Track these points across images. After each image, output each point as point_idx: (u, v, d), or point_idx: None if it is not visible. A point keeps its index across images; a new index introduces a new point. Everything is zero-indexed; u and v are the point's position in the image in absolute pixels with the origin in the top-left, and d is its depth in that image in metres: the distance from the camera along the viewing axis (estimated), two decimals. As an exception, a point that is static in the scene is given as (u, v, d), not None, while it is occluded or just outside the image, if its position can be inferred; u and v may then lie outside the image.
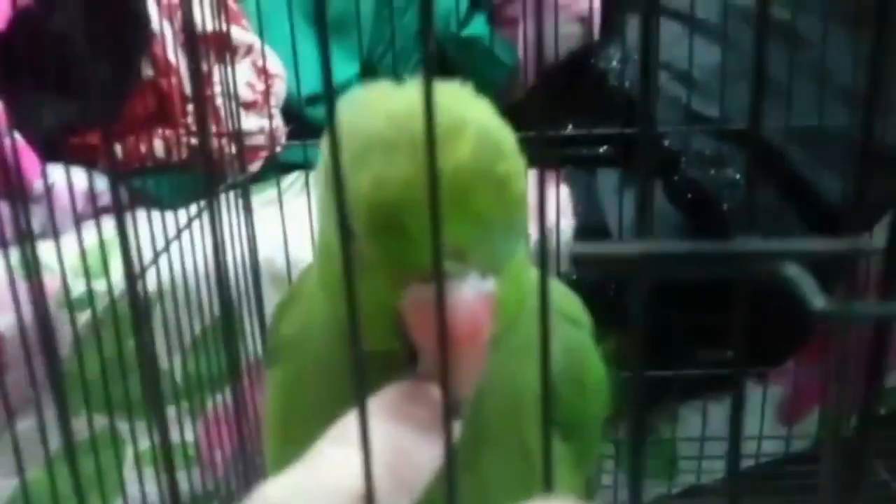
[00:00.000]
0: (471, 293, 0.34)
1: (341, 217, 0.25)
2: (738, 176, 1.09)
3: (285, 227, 1.00)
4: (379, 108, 0.36)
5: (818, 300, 0.21)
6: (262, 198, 1.10)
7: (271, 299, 1.05)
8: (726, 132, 1.11)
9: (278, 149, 1.13)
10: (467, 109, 0.36)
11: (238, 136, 0.91)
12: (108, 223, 0.80)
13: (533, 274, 0.40)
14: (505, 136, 0.36)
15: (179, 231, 0.85)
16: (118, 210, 0.26)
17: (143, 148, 1.04)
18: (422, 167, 0.33)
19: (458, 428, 0.33)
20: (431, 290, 0.33)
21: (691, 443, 1.23)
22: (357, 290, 0.38)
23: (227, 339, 0.68)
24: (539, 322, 0.23)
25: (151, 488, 0.87)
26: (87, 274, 0.81)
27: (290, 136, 1.14)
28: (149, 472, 0.88)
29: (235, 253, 0.97)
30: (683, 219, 1.07)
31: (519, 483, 0.41)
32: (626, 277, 0.23)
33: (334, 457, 0.31)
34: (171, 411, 0.97)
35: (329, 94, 0.24)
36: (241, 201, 0.93)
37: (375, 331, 0.35)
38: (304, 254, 1.03)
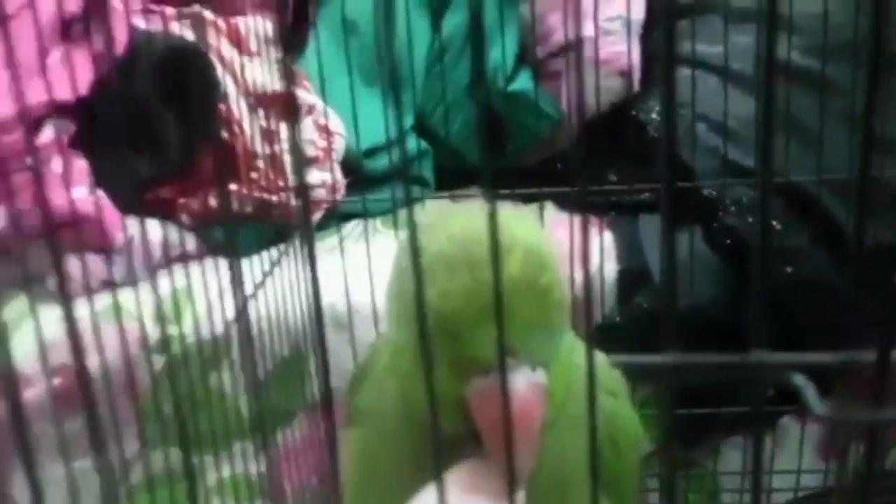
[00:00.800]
0: (523, 384, 0.41)
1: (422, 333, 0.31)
2: (774, 223, 1.13)
3: (346, 273, 1.07)
4: (441, 229, 0.43)
5: (819, 407, 0.27)
6: (323, 246, 1.17)
7: (333, 343, 1.12)
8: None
9: (338, 198, 1.20)
10: (516, 229, 0.43)
11: (304, 189, 0.97)
12: (181, 273, 0.87)
13: (578, 356, 0.46)
14: (547, 251, 0.43)
15: (265, 275, 0.91)
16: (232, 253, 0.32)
17: (212, 201, 1.11)
18: (479, 281, 0.40)
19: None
20: (489, 382, 0.40)
21: (733, 476, 1.27)
22: (431, 384, 0.45)
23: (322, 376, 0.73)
24: (586, 386, 0.30)
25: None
26: (163, 320, 0.88)
27: (349, 188, 1.21)
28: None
29: (300, 299, 1.04)
30: (721, 264, 1.12)
31: None
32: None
33: None
34: (239, 446, 1.03)
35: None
36: (305, 250, 1.00)
37: (444, 415, 0.41)
38: (363, 297, 1.10)
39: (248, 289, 0.93)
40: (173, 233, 1.09)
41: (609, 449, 0.53)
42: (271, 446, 1.01)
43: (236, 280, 0.69)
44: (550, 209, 1.32)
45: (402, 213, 1.21)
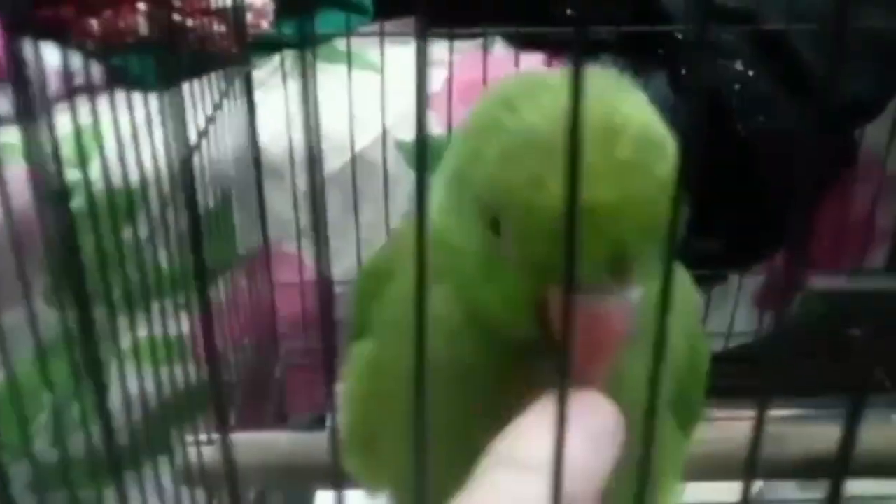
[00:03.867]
0: (620, 307, 0.31)
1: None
2: (742, 68, 1.04)
3: (289, 111, 0.93)
4: (531, 103, 0.32)
5: None
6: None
7: (265, 191, 0.99)
8: (728, 22, 1.05)
9: (265, 25, 1.04)
10: (625, 104, 0.32)
11: (239, 9, 0.82)
12: (84, 106, 0.72)
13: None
14: (664, 133, 0.32)
15: (209, 119, 0.77)
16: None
17: (122, 23, 0.94)
18: (586, 171, 0.29)
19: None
20: (581, 299, 0.29)
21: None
22: (497, 281, 0.33)
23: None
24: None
25: (133, 385, 0.83)
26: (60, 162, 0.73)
27: (279, 14, 1.05)
28: (131, 368, 0.83)
29: (228, 141, 0.90)
30: (686, 112, 1.03)
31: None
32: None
33: (506, 483, 0.27)
34: (159, 305, 0.91)
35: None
36: (240, 87, 0.85)
37: (513, 317, 0.33)
38: (300, 142, 0.96)
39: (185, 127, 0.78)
40: (75, 60, 0.91)
41: (689, 376, 0.44)
42: (205, 303, 0.89)
43: (178, 120, 0.55)
44: (500, 46, 1.20)
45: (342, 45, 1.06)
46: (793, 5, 1.04)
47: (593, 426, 0.29)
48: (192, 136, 0.75)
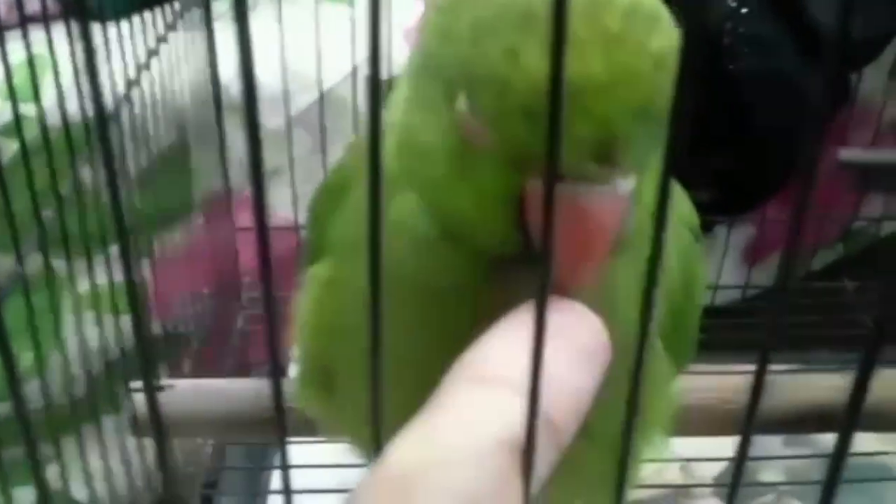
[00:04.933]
0: (609, 200, 0.28)
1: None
2: (735, 4, 1.00)
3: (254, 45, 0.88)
4: None
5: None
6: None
7: (227, 131, 0.94)
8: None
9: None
10: None
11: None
12: (38, 36, 0.67)
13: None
14: (658, 6, 0.29)
15: (150, 54, 0.72)
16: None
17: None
18: (570, 41, 0.25)
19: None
20: (564, 188, 0.26)
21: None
22: (470, 178, 0.30)
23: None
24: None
25: (91, 333, 0.79)
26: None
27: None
28: (89, 316, 0.79)
29: (188, 78, 0.85)
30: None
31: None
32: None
33: (474, 400, 0.24)
34: (115, 250, 0.87)
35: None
36: (199, 15, 0.81)
37: (488, 220, 0.30)
38: (268, 81, 0.92)
39: (123, 64, 0.74)
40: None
41: (682, 296, 0.41)
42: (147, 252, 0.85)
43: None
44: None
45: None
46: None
47: (575, 339, 0.26)
48: (131, 71, 0.70)
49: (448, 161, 0.31)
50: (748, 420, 0.21)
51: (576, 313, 0.27)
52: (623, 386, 0.22)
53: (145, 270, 0.90)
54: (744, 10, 0.99)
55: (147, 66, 0.72)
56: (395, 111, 0.34)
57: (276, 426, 0.22)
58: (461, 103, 0.30)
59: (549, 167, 0.19)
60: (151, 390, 0.24)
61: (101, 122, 0.19)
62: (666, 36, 0.27)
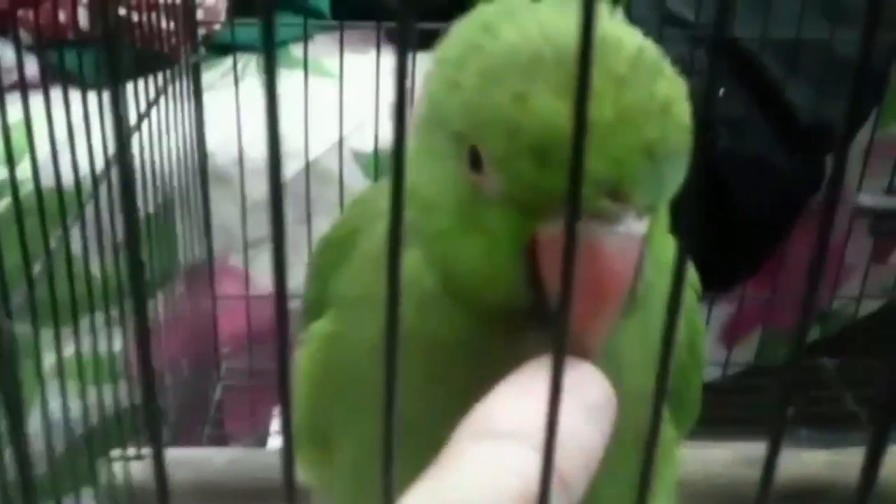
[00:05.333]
0: (625, 238, 0.28)
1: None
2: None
3: (240, 116, 0.89)
4: (510, 24, 0.30)
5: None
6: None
7: (213, 199, 0.95)
8: (700, 37, 1.05)
9: (217, 27, 1.01)
10: (616, 26, 0.30)
11: (189, 7, 0.79)
12: (16, 104, 0.68)
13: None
14: (661, 58, 0.30)
15: (140, 117, 0.73)
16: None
17: (62, 16, 0.90)
18: (573, 81, 0.26)
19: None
20: (580, 229, 0.27)
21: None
22: (478, 228, 0.30)
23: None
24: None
25: (73, 402, 0.78)
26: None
27: (234, 12, 1.02)
28: (71, 384, 0.78)
29: (173, 147, 0.86)
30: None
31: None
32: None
33: (484, 455, 0.23)
34: (97, 320, 0.86)
35: None
36: (188, 86, 0.82)
37: (496, 274, 0.30)
38: (253, 150, 0.93)
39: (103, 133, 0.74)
40: (9, 53, 0.87)
41: (687, 355, 0.41)
42: (142, 317, 0.84)
43: (118, 116, 0.51)
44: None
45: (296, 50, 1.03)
46: (766, 24, 1.03)
47: (584, 395, 0.26)
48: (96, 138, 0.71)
49: (456, 213, 0.31)
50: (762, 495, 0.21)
51: (583, 368, 0.27)
52: (628, 449, 0.22)
53: (118, 342, 0.89)
54: (722, 92, 1.02)
55: (137, 130, 0.72)
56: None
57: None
58: (467, 154, 0.30)
59: (571, 204, 0.19)
60: (160, 456, 0.23)
61: (126, 183, 0.19)
62: (671, 83, 0.29)
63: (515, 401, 0.25)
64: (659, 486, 0.40)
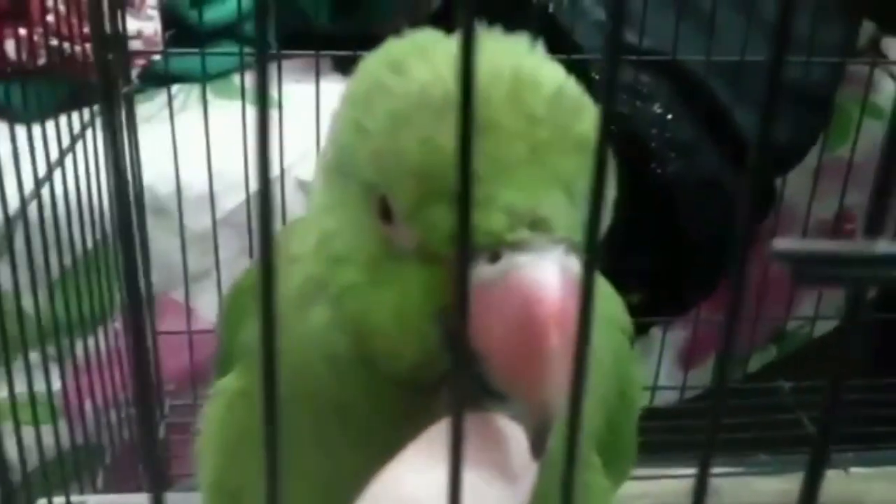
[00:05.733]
0: (557, 272, 0.26)
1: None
2: (661, 111, 1.03)
3: (176, 148, 0.88)
4: (420, 62, 0.29)
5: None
6: (138, 115, 0.96)
7: (153, 232, 0.93)
8: (646, 63, 1.05)
9: (157, 57, 0.99)
10: (537, 62, 0.30)
11: (120, 38, 0.77)
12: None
13: None
14: (583, 96, 0.29)
15: (63, 151, 0.71)
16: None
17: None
18: (494, 127, 0.26)
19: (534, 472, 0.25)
20: (498, 269, 0.25)
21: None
22: (391, 284, 0.29)
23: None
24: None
25: (7, 443, 0.75)
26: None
27: (170, 44, 1.00)
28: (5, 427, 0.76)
29: (108, 179, 0.84)
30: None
31: None
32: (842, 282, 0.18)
33: None
34: (32, 357, 0.84)
35: None
36: (121, 118, 0.80)
37: (411, 342, 0.28)
38: (195, 180, 0.91)
39: (41, 165, 0.73)
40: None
41: (616, 397, 0.40)
42: (66, 358, 0.82)
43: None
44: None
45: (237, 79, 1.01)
46: (710, 47, 1.04)
47: (497, 456, 0.24)
48: (42, 171, 0.69)
49: (367, 268, 0.29)
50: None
51: (498, 428, 0.25)
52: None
53: (57, 380, 0.87)
54: (669, 116, 1.02)
55: (60, 165, 0.71)
56: (312, 214, 0.33)
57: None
58: (377, 204, 0.29)
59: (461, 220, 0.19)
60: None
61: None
62: (590, 121, 0.28)
63: (421, 465, 0.24)
64: None
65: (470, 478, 0.20)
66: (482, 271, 0.26)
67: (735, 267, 0.20)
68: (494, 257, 0.26)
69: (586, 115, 0.28)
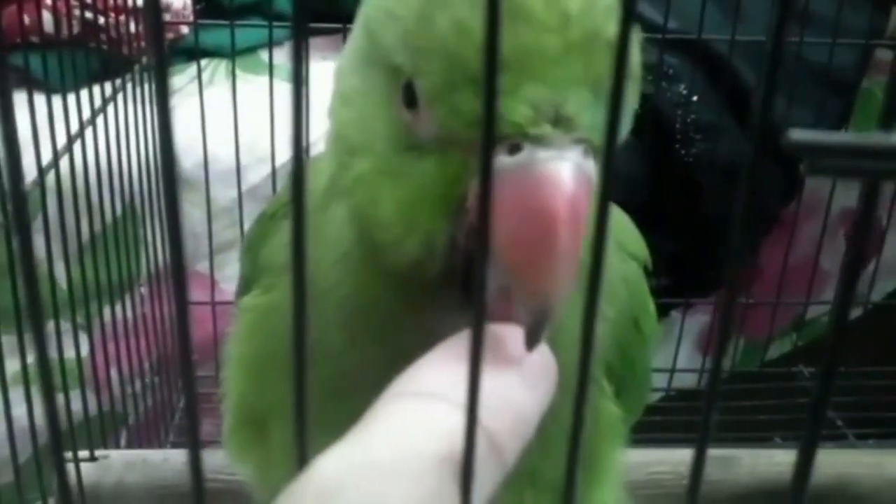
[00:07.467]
0: (573, 170, 0.26)
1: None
2: (686, 92, 1.05)
3: (205, 120, 0.91)
4: None
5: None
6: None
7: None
8: (671, 42, 1.06)
9: (185, 30, 1.02)
10: None
11: (155, 6, 0.80)
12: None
13: None
14: (616, 1, 0.29)
15: (93, 115, 0.74)
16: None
17: (26, 19, 0.91)
18: (527, 18, 0.26)
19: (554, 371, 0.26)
20: (519, 161, 0.26)
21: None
22: (407, 173, 0.29)
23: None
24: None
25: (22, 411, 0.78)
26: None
27: (200, 16, 1.03)
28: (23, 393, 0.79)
29: (139, 150, 0.88)
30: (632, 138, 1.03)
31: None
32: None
33: (409, 413, 0.23)
34: (54, 324, 0.87)
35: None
36: (152, 87, 0.83)
37: (414, 240, 0.29)
38: (222, 153, 0.94)
39: (70, 131, 0.76)
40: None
41: (628, 331, 0.41)
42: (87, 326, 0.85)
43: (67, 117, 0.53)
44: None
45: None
46: (735, 28, 1.05)
47: (519, 361, 0.25)
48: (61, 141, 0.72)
49: (383, 156, 0.30)
50: (690, 497, 0.21)
51: (516, 333, 0.26)
52: (566, 427, 0.21)
53: (84, 345, 0.90)
54: (694, 98, 1.04)
55: (92, 126, 0.74)
56: (332, 110, 0.33)
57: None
58: (402, 89, 0.29)
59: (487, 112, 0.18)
60: (197, 461, 0.21)
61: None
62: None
63: (442, 364, 0.24)
64: (605, 469, 0.40)
65: (494, 374, 0.21)
66: (500, 161, 0.26)
67: (734, 255, 0.21)
68: (514, 149, 0.26)
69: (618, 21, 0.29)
